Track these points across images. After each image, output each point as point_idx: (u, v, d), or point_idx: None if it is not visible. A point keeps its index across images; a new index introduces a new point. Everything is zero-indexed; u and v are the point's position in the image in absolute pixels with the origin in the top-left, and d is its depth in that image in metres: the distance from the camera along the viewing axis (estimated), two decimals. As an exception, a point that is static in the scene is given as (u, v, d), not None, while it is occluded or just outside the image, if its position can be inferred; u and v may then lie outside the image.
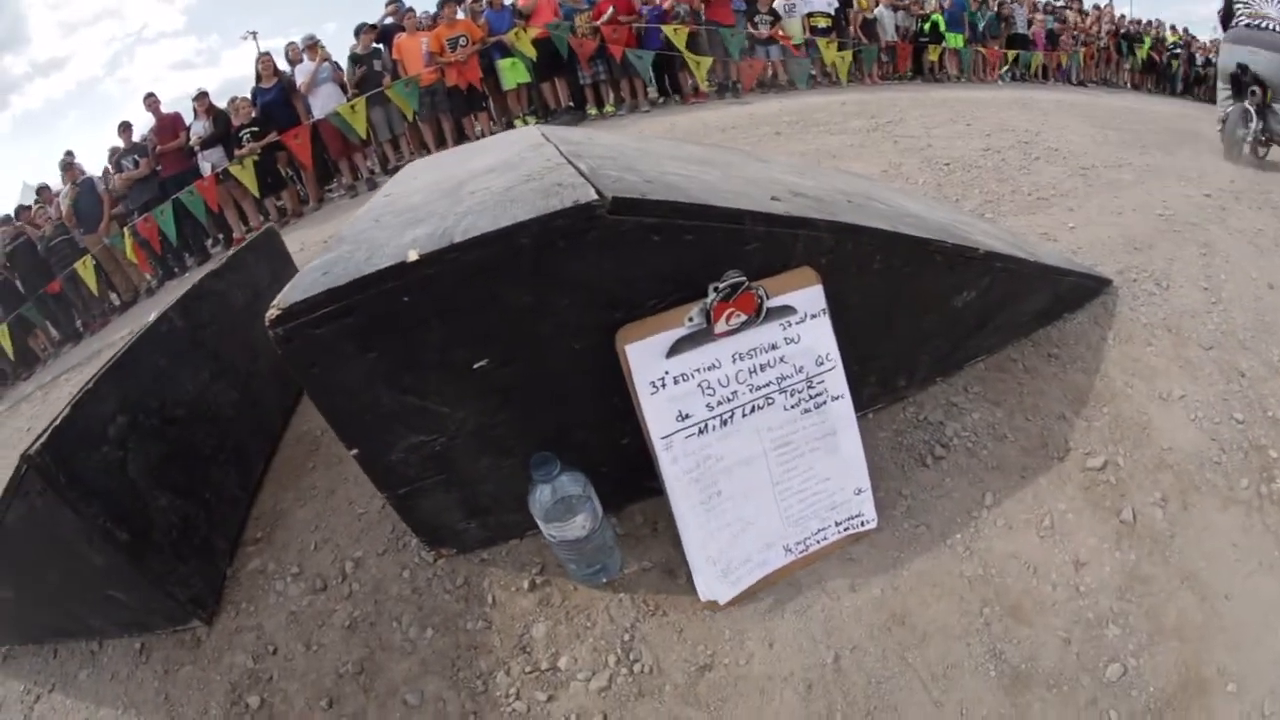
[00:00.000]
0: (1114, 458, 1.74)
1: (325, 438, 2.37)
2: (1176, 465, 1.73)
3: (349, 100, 7.13)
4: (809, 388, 1.40)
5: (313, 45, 7.40)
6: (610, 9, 7.21)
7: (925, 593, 1.46)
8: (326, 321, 1.22)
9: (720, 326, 1.28)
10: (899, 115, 5.84)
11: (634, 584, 1.55)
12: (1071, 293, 2.23)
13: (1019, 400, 1.91)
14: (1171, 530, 1.59)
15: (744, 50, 7.75)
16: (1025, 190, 3.45)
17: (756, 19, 7.99)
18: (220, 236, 7.82)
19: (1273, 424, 1.84)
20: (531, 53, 7.29)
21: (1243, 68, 3.81)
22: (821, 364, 1.40)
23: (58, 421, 1.62)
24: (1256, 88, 3.76)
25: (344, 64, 7.53)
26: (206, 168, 7.34)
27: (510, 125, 7.49)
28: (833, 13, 8.30)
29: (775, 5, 7.95)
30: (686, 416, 1.32)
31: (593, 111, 7.61)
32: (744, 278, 1.25)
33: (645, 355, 1.26)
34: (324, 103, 7.21)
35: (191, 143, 7.46)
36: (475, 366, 1.27)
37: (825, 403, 1.42)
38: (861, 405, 1.68)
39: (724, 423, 1.35)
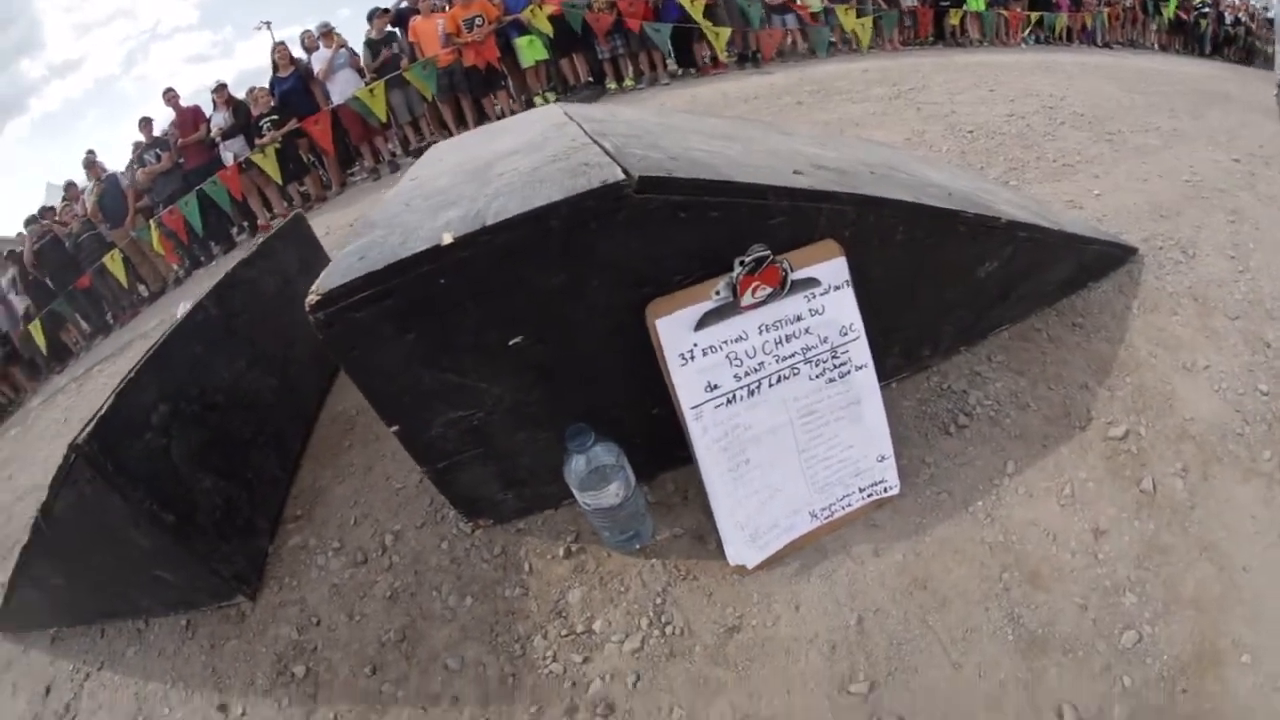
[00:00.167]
0: (1136, 427, 1.75)
1: (360, 417, 2.46)
2: (1199, 436, 1.74)
3: (367, 84, 7.18)
4: (833, 358, 1.44)
5: (328, 33, 7.48)
6: (625, -16, 7.17)
7: (947, 558, 1.50)
8: (365, 305, 1.28)
9: (746, 299, 1.33)
10: (921, 82, 5.76)
11: (665, 550, 1.61)
12: (1096, 261, 2.23)
13: (1042, 369, 1.93)
14: (1192, 501, 1.60)
15: (761, 19, 7.66)
16: (1050, 157, 3.42)
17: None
18: (245, 224, 7.97)
19: (1298, 395, 1.79)
20: (548, 29, 7.28)
21: None
22: (845, 334, 1.44)
23: (103, 411, 1.70)
24: None
25: (359, 49, 7.60)
26: (229, 158, 7.49)
27: (530, 103, 7.51)
28: (853, -23, 8.15)
29: (793, -28, 7.83)
30: (715, 387, 1.37)
31: (612, 86, 7.59)
32: (768, 251, 1.29)
33: (675, 328, 1.31)
34: (342, 88, 7.30)
35: (213, 134, 7.60)
36: (510, 344, 1.33)
37: (849, 372, 1.47)
38: (885, 375, 1.71)
39: (751, 393, 1.40)
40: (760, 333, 1.37)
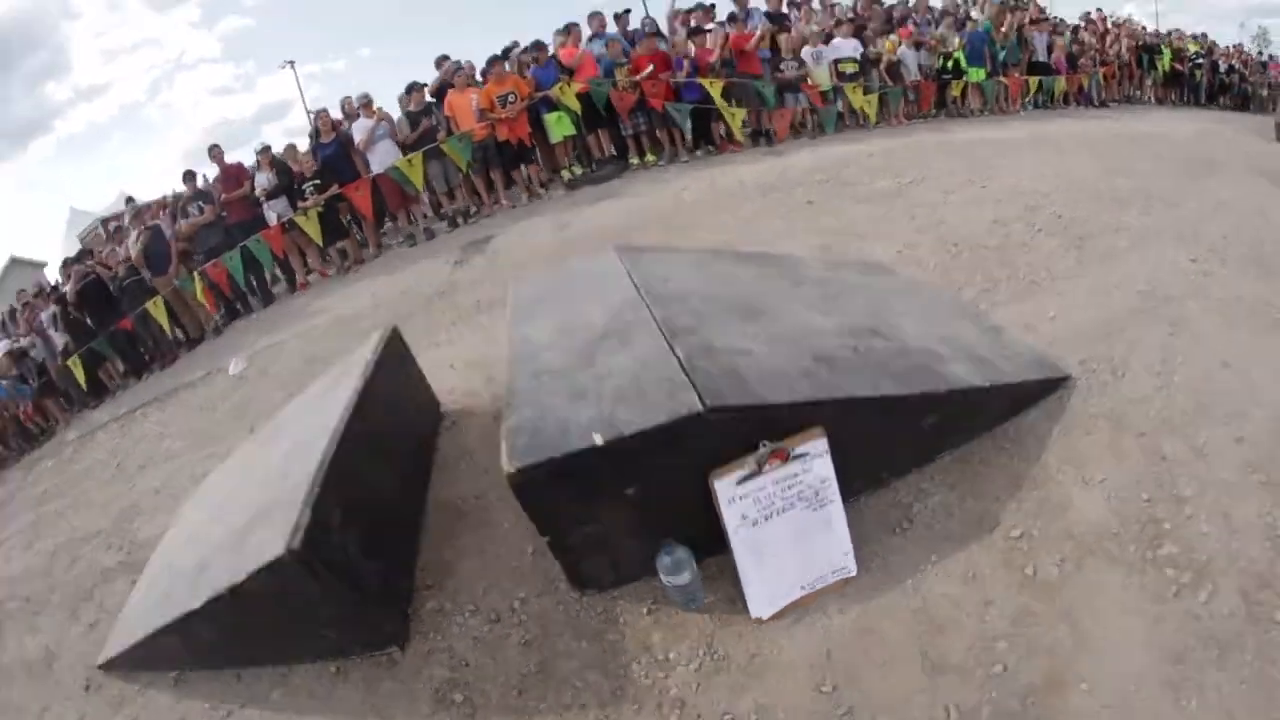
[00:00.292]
0: (1031, 529, 2.54)
1: (469, 508, 3.43)
2: (1079, 535, 2.48)
3: (406, 156, 8.27)
4: (816, 496, 2.54)
5: (367, 104, 8.62)
6: (650, 66, 8.28)
7: (884, 616, 2.50)
8: (542, 473, 2.38)
9: (766, 469, 2.44)
10: (920, 173, 6.55)
11: (711, 608, 2.66)
12: (1029, 395, 3.02)
13: (970, 486, 2.80)
14: (1063, 583, 2.33)
15: (775, 100, 8.71)
16: (1021, 274, 4.19)
17: (782, 64, 9.00)
18: (284, 277, 9.08)
19: (1176, 501, 2.49)
20: (576, 106, 8.35)
21: None
22: (824, 482, 2.54)
23: (305, 522, 2.47)
24: None
25: (397, 119, 8.71)
26: (272, 217, 8.60)
27: (556, 173, 8.62)
28: (859, 57, 9.21)
29: (803, 54, 8.94)
30: (746, 516, 2.48)
31: (634, 161, 8.68)
32: (781, 444, 2.40)
33: (725, 486, 2.42)
34: (381, 158, 8.38)
35: (257, 193, 8.71)
36: (627, 492, 2.45)
37: (826, 504, 2.57)
38: (853, 494, 2.77)
39: (767, 519, 2.51)
40: (773, 485, 2.48)
